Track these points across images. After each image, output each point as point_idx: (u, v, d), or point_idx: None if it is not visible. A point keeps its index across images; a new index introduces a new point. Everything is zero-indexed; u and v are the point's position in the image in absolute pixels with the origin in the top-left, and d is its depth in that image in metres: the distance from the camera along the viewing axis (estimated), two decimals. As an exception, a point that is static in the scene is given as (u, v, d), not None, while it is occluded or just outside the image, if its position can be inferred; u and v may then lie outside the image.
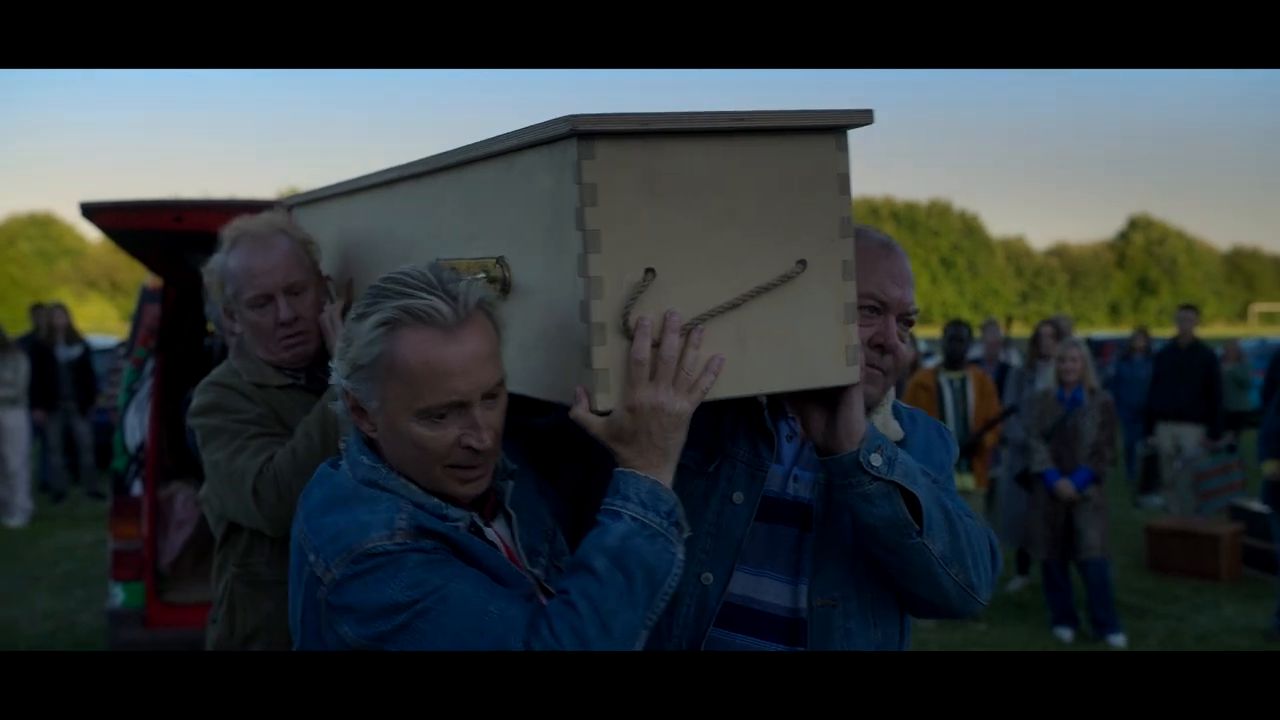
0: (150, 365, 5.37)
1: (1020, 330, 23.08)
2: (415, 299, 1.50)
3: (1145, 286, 74.31)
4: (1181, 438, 9.81)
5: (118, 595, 5.18)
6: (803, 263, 1.57)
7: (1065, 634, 6.79)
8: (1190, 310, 10.68)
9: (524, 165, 1.59)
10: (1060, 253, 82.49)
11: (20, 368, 10.16)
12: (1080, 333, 15.16)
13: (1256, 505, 7.91)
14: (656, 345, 1.49)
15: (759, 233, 1.55)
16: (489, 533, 1.63)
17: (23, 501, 10.21)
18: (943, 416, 7.18)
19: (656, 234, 1.49)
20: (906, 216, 78.49)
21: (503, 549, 1.63)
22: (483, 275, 1.67)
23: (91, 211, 4.45)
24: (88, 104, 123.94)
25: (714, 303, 1.53)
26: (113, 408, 9.09)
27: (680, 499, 1.57)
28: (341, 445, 1.66)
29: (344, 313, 2.32)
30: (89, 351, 11.49)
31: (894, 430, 1.89)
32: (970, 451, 7.13)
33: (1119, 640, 6.62)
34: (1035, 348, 8.76)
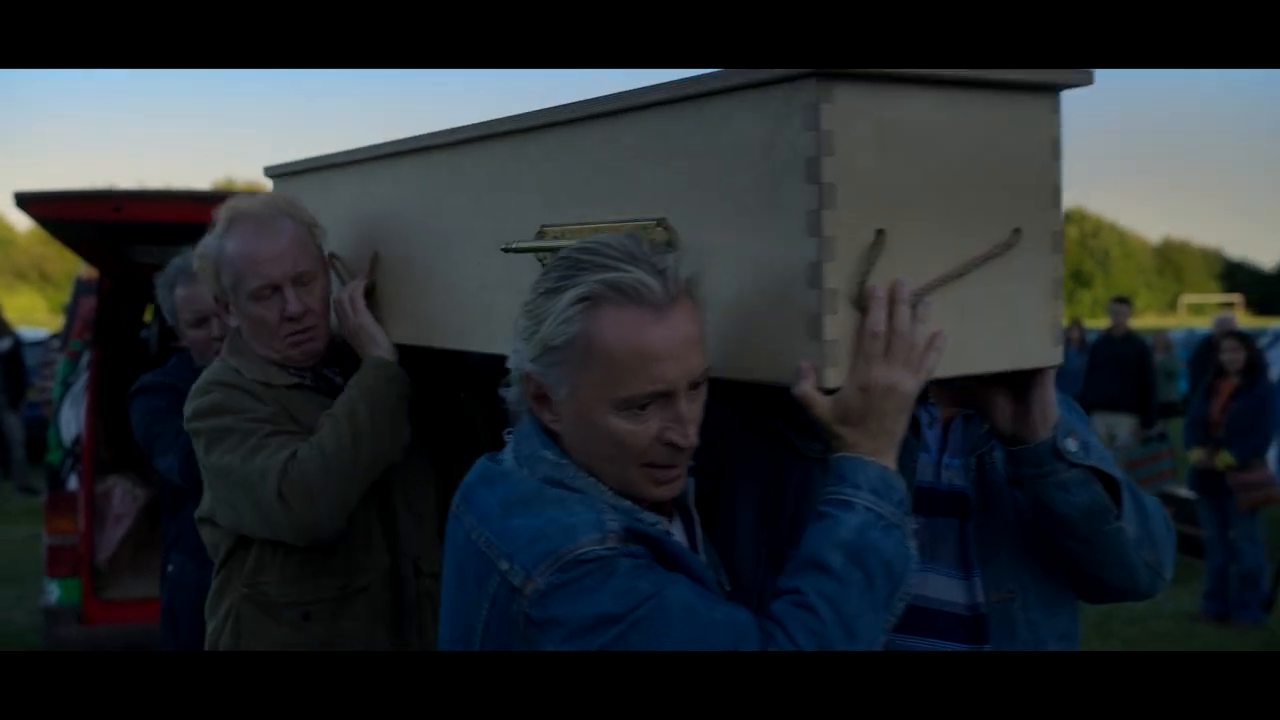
0: (86, 358, 5.28)
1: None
2: (620, 272, 1.31)
3: (1079, 279, 75.75)
4: (1115, 427, 10.02)
5: (53, 592, 5.08)
6: (1018, 231, 1.44)
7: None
8: (1123, 302, 10.92)
9: (714, 113, 1.40)
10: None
11: (-52, 360, 9.92)
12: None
13: (1184, 492, 8.11)
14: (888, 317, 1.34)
15: (977, 197, 1.41)
16: (677, 537, 1.46)
17: (-49, 497, 9.97)
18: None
19: (885, 192, 1.34)
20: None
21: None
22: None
23: (26, 201, 4.35)
24: (14, 93, 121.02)
25: (934, 272, 1.38)
26: (45, 401, 8.91)
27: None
28: (507, 437, 1.46)
29: (369, 292, 2.20)
30: (19, 344, 11.24)
31: None
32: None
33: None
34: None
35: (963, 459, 1.71)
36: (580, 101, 1.60)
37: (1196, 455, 7.01)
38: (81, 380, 5.26)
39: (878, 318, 1.32)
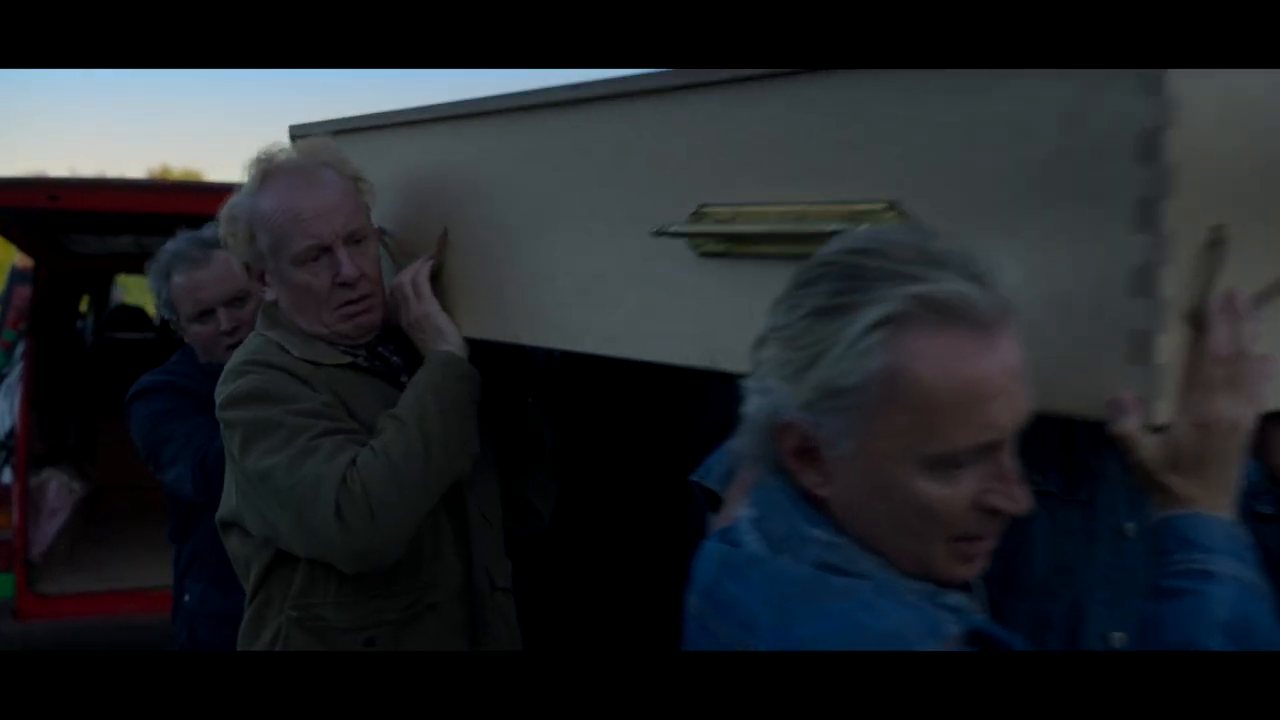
0: (20, 349, 5.18)
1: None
2: (931, 282, 0.97)
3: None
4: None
5: (-13, 586, 4.98)
6: None
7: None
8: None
9: (978, 74, 1.12)
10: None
11: None
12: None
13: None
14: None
15: None
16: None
17: None
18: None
19: (1225, 181, 1.08)
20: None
21: None
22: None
23: (-43, 189, 4.26)
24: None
25: (1265, 279, 1.12)
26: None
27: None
28: (745, 511, 1.09)
29: (434, 276, 1.91)
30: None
31: None
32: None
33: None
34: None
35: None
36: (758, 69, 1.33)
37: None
38: (15, 372, 5.11)
39: (1222, 336, 1.06)
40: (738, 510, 1.12)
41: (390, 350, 1.94)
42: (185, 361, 2.70)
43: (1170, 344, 1.05)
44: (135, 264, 7.64)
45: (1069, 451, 1.39)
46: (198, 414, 2.42)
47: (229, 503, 1.87)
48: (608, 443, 2.36)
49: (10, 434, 5.09)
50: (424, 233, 1.96)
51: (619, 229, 1.54)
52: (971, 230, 1.11)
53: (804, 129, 1.29)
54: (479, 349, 1.91)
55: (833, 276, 1.01)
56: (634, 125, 1.52)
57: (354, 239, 1.84)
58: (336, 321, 1.86)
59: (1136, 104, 1.02)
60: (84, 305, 6.72)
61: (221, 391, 1.82)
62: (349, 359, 1.86)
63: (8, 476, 5.08)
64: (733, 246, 1.39)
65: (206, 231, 2.53)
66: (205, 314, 2.58)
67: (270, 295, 1.90)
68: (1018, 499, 1.02)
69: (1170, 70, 1.02)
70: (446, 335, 1.88)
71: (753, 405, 1.06)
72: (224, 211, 1.89)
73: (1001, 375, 0.98)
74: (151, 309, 9.37)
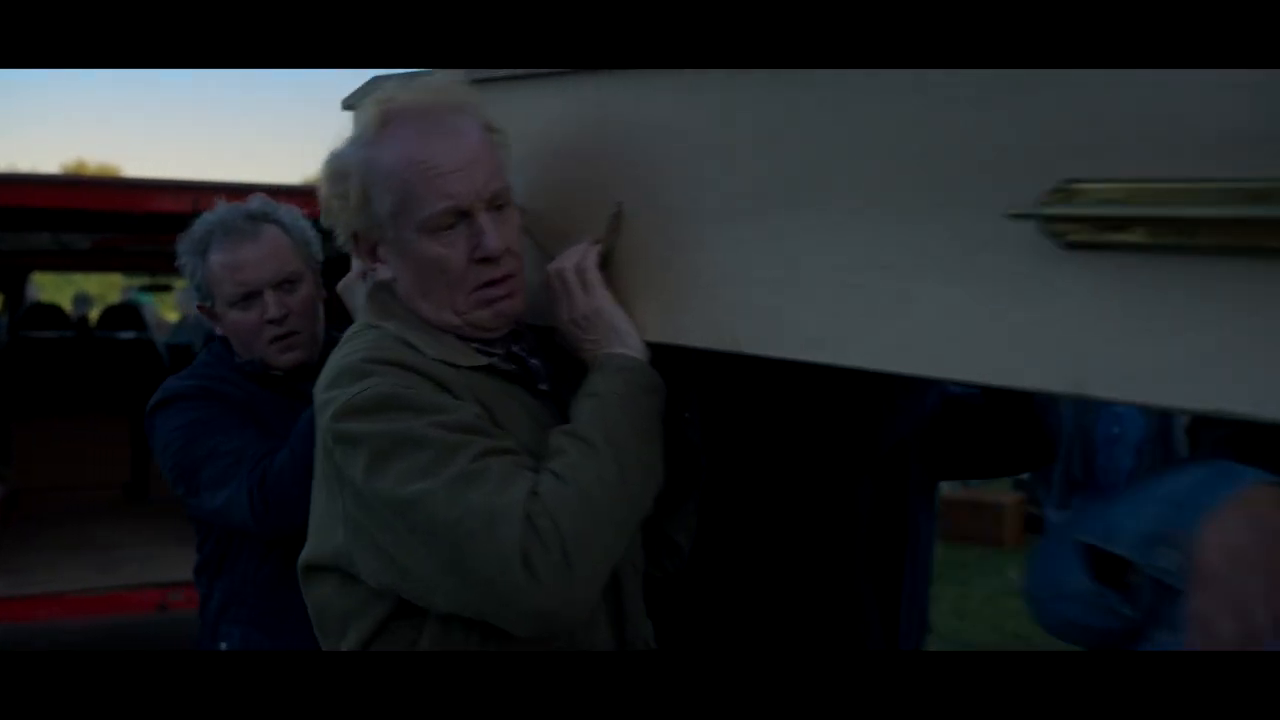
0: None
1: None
2: None
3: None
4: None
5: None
6: None
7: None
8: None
9: None
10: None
11: None
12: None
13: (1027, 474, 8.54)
14: None
15: None
16: None
17: None
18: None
19: None
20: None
21: None
22: None
23: None
24: None
25: None
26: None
27: None
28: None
29: (603, 263, 1.55)
30: None
31: None
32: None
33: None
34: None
35: None
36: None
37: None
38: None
39: None
40: None
41: (524, 349, 1.58)
42: (216, 362, 2.24)
43: None
44: (51, 261, 7.48)
45: None
46: (244, 425, 2.09)
47: (327, 540, 1.44)
48: (757, 461, 1.95)
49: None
50: (574, 209, 1.59)
51: (915, 210, 1.18)
52: None
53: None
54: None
55: None
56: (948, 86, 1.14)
57: (496, 203, 1.48)
58: (472, 307, 1.49)
59: None
60: (-1, 304, 6.55)
61: (333, 397, 1.40)
62: (485, 359, 1.49)
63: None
64: (1122, 235, 1.03)
65: (254, 203, 2.21)
66: (249, 298, 2.14)
67: (385, 273, 1.53)
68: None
69: None
70: (624, 336, 1.50)
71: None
72: (328, 166, 1.52)
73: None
74: (69, 305, 9.17)
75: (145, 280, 10.09)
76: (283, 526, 1.81)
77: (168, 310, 12.00)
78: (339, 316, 2.01)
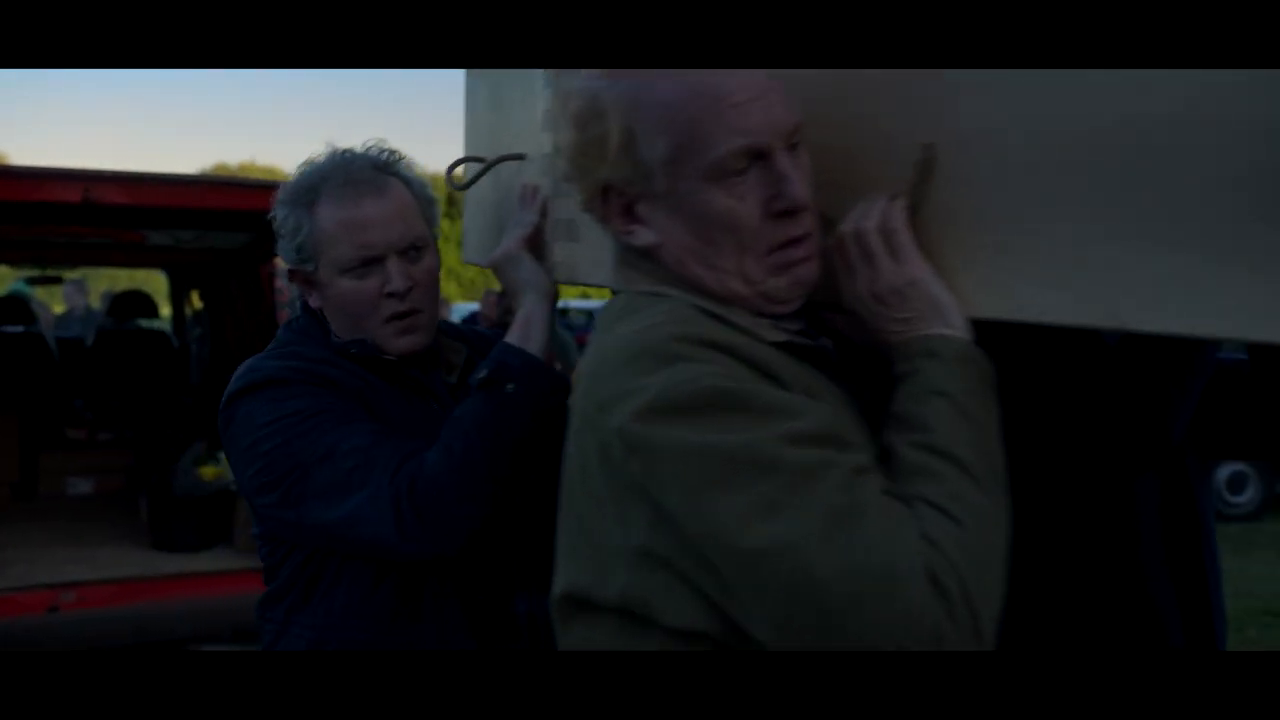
0: None
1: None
2: None
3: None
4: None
5: None
6: None
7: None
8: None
9: None
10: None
11: None
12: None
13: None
14: None
15: None
16: None
17: None
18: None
19: None
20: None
21: None
22: None
23: None
24: None
25: None
26: None
27: None
28: None
29: (913, 211, 1.21)
30: None
31: None
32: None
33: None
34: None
35: None
36: None
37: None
38: None
39: None
40: None
41: (803, 322, 1.29)
42: (307, 341, 1.80)
43: None
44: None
45: None
46: (364, 419, 1.69)
47: (606, 573, 1.12)
48: (1031, 457, 1.52)
49: None
50: (863, 152, 1.26)
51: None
52: None
53: None
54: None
55: None
56: None
57: (793, 141, 1.20)
58: (768, 274, 1.20)
59: None
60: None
61: (629, 388, 1.07)
62: (785, 335, 1.20)
63: None
64: None
65: (376, 150, 1.83)
66: (369, 264, 1.73)
67: (646, 237, 1.22)
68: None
69: None
70: (948, 314, 1.17)
71: None
72: (573, 103, 1.23)
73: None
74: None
75: (35, 272, 9.77)
76: (437, 546, 1.58)
77: (56, 304, 11.62)
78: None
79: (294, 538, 1.72)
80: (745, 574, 1.00)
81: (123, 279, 12.20)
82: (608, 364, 1.12)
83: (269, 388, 1.69)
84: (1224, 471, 8.40)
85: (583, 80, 1.23)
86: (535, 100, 1.91)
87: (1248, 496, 8.53)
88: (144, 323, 7.19)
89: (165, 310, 8.26)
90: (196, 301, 7.62)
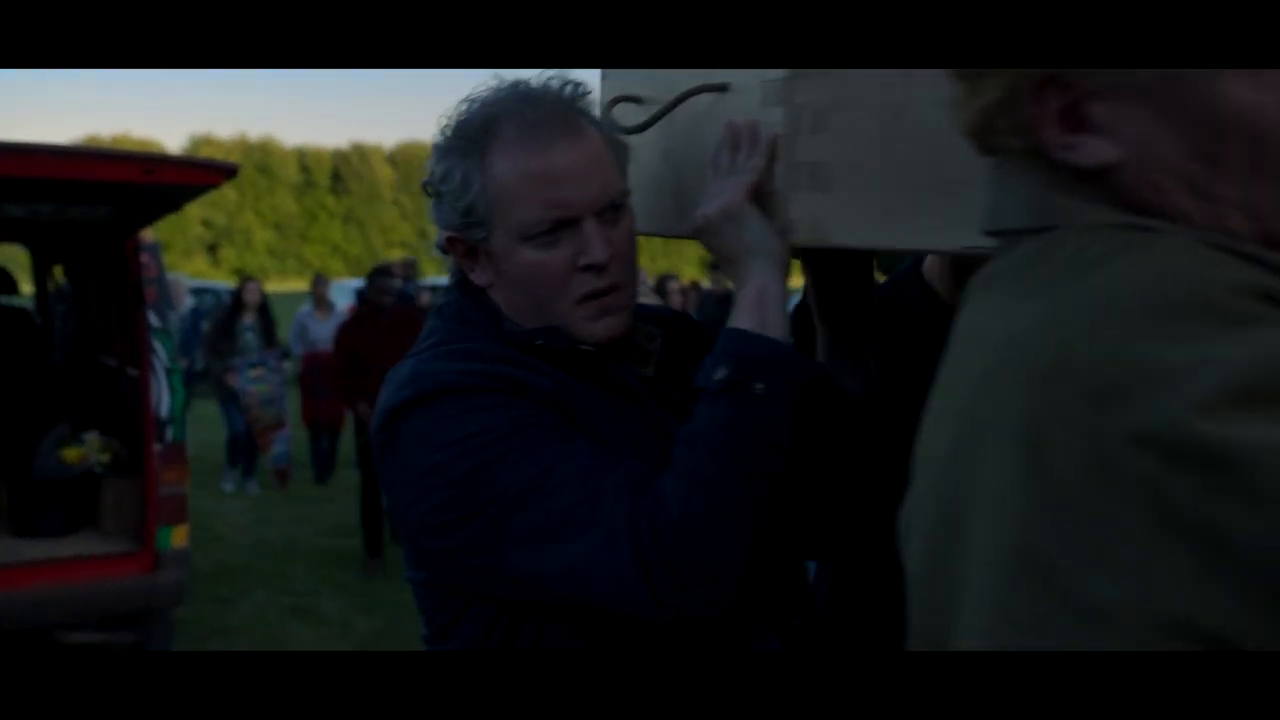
0: None
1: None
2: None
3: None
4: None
5: None
6: None
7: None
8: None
9: None
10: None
11: None
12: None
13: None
14: None
15: None
16: None
17: None
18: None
19: None
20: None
21: None
22: None
23: None
24: None
25: None
26: None
27: None
28: None
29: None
30: None
31: None
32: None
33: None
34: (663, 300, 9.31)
35: None
36: None
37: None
38: None
39: None
40: None
41: None
42: (472, 331, 1.40)
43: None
44: None
45: None
46: (573, 437, 1.30)
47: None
48: None
49: None
50: None
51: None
52: None
53: None
54: None
55: None
56: None
57: None
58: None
59: None
60: None
61: (1172, 366, 0.66)
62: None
63: None
64: None
65: (559, 83, 1.40)
66: (563, 226, 1.34)
67: (1102, 153, 0.82)
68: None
69: None
70: None
71: None
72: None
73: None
74: None
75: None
76: (699, 608, 1.19)
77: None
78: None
79: (484, 589, 1.31)
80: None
81: (-20, 254, 11.64)
82: (1094, 330, 0.69)
83: (446, 398, 1.30)
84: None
85: None
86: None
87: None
88: (3, 299, 6.88)
89: (27, 287, 7.93)
90: (60, 277, 7.32)
